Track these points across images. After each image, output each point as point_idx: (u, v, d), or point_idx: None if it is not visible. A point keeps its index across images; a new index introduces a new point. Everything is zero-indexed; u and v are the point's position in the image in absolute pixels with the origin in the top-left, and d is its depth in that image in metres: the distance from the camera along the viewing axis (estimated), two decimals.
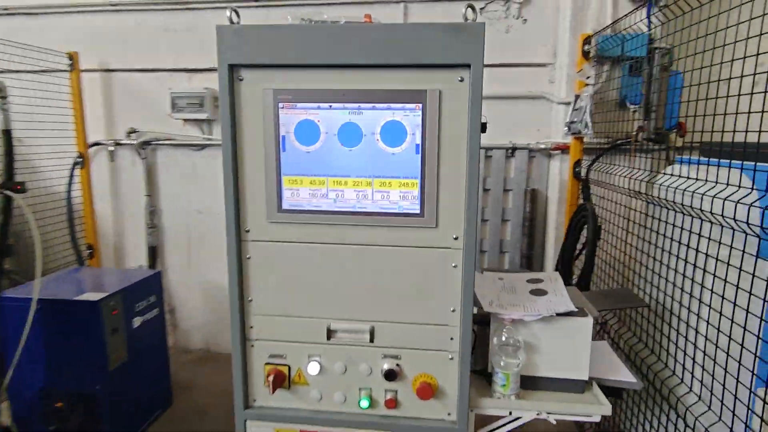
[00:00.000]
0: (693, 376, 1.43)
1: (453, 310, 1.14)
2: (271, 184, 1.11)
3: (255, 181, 1.12)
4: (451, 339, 1.15)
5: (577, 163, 2.54)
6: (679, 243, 1.57)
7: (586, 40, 2.42)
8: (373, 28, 1.08)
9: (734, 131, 1.25)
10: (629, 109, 2.45)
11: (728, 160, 1.40)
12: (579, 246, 2.37)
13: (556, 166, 2.66)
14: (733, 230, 1.28)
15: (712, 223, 1.37)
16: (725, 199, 1.24)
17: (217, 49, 1.04)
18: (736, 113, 1.24)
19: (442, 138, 1.06)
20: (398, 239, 1.12)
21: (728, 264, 1.35)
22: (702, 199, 1.34)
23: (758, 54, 1.17)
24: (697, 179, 1.47)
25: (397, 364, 1.17)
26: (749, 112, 1.17)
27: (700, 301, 1.41)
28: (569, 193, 2.59)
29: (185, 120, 2.89)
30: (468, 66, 1.02)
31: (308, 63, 1.05)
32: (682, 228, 1.56)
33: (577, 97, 2.40)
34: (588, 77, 2.36)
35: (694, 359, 1.41)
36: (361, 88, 1.05)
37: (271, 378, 1.16)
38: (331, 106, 1.07)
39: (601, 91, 2.45)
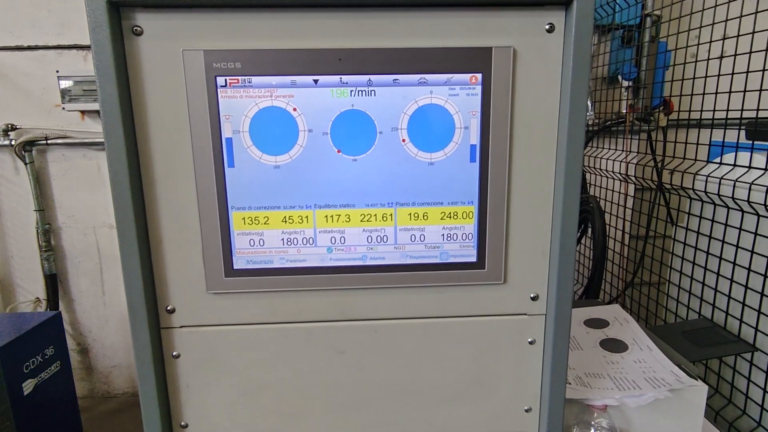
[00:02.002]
0: None
1: (528, 410, 0.71)
2: (209, 226, 0.61)
3: (179, 222, 0.61)
4: None
5: None
6: (737, 247, 1.25)
7: None
8: None
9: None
10: (620, 84, 2.18)
11: None
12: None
13: None
14: None
15: None
16: None
17: None
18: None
19: (515, 132, 0.61)
20: (440, 306, 0.66)
21: None
22: None
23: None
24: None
25: None
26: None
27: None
28: None
29: (83, 112, 2.25)
30: (564, 4, 0.57)
31: None
32: (741, 229, 1.24)
33: None
34: None
35: None
36: (374, 45, 0.57)
37: None
38: (316, 82, 0.58)
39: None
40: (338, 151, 0.60)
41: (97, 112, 2.24)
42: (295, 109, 0.58)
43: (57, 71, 2.16)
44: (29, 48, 2.23)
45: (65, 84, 2.17)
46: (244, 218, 0.61)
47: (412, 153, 0.61)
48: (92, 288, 2.50)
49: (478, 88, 0.59)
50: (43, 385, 1.73)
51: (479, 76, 0.59)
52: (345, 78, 0.58)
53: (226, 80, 0.57)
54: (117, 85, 0.54)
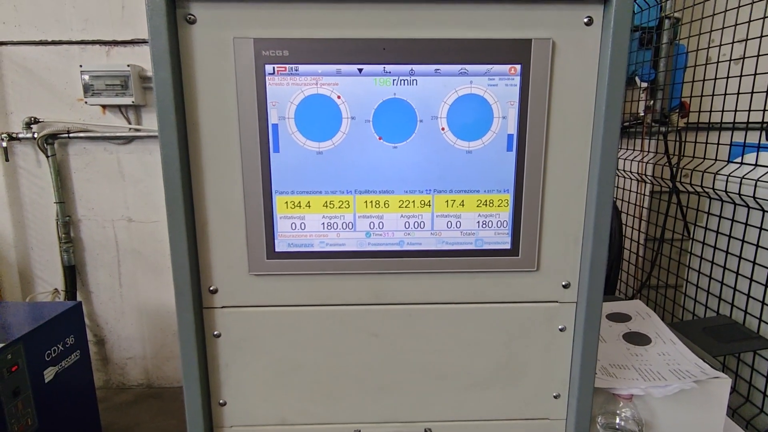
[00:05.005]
0: None
1: (556, 396, 0.72)
2: (253, 209, 0.63)
3: (224, 205, 0.63)
4: None
5: None
6: (757, 246, 1.26)
7: None
8: None
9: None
10: (638, 86, 2.19)
11: None
12: None
13: None
14: None
15: None
16: None
17: None
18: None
19: (552, 122, 0.63)
20: (474, 292, 0.68)
21: None
22: None
23: None
24: None
25: None
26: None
27: None
28: None
29: (104, 106, 2.28)
30: None
31: None
32: (761, 228, 1.25)
33: None
34: None
35: None
36: (417, 36, 0.59)
37: None
38: (361, 71, 0.60)
39: None
40: (379, 139, 0.62)
41: (118, 106, 2.27)
42: (339, 97, 0.60)
43: (80, 66, 2.20)
44: (53, 43, 2.27)
45: (88, 78, 2.21)
46: (287, 202, 0.63)
47: (450, 141, 0.62)
48: (109, 280, 2.53)
49: (517, 79, 0.61)
50: (63, 374, 1.76)
51: (518, 67, 0.60)
52: (388, 67, 0.60)
53: (274, 68, 0.59)
54: (171, 71, 0.57)
